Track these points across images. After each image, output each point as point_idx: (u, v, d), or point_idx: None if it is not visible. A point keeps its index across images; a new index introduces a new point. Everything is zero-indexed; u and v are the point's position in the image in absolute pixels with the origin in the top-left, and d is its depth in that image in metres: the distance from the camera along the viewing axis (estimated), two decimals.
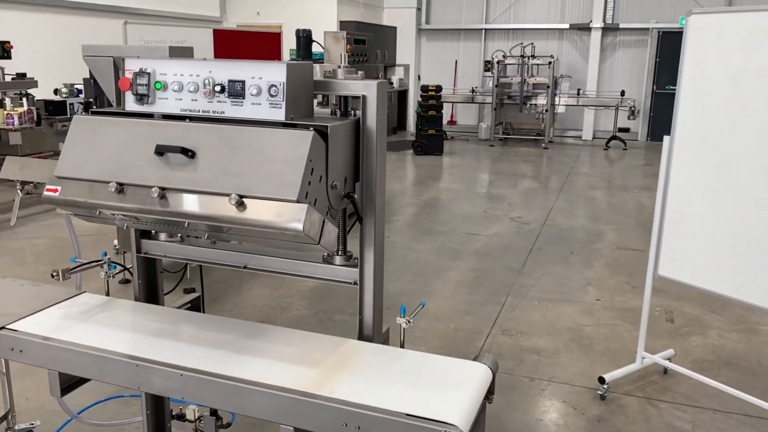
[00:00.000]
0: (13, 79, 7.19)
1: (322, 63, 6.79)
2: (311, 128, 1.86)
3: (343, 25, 12.90)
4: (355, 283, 2.21)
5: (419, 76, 15.60)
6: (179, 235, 2.46)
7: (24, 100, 6.64)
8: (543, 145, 13.47)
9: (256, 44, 6.59)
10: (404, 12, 15.38)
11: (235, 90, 1.97)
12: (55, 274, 2.29)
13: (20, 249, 6.08)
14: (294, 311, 4.69)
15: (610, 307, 4.90)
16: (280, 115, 1.93)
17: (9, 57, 7.04)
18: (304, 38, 7.17)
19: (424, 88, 12.28)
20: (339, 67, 2.12)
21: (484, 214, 7.75)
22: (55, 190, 2.04)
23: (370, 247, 2.15)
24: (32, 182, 2.20)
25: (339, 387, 1.86)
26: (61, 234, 6.24)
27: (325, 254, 2.26)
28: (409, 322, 2.15)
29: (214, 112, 2.01)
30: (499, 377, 3.79)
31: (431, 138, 12.09)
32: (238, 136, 1.91)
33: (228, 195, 1.82)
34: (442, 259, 6.00)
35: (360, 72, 2.11)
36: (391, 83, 14.92)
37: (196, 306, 2.81)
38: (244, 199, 1.82)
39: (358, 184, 2.12)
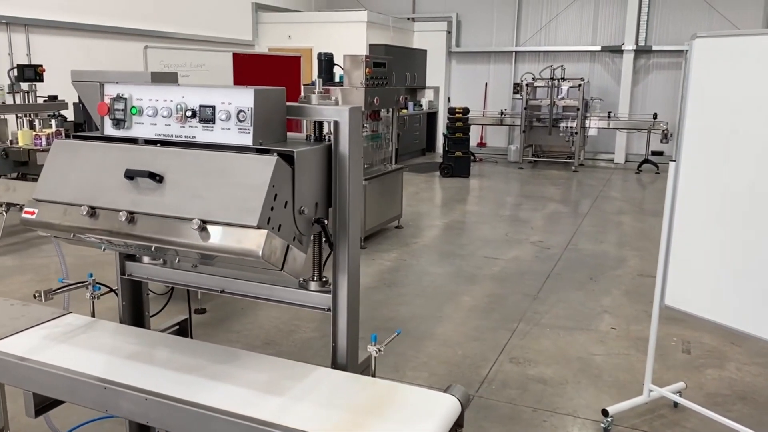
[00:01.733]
0: (44, 101, 7.43)
1: (342, 86, 6.84)
2: (274, 153, 1.86)
3: (373, 48, 13.02)
4: (328, 310, 2.18)
5: (449, 98, 15.60)
6: (162, 258, 2.47)
7: (53, 121, 6.84)
8: (573, 168, 13.29)
9: (275, 68, 6.68)
10: (434, 35, 15.46)
11: (206, 115, 1.98)
12: (37, 294, 2.32)
13: (44, 266, 6.22)
14: (301, 334, 4.67)
15: (625, 336, 4.75)
16: (248, 140, 1.94)
17: (41, 80, 7.28)
18: (326, 62, 7.26)
19: (451, 111, 12.27)
20: (313, 92, 2.11)
21: (504, 238, 7.65)
22: (33, 213, 2.07)
23: (344, 274, 2.13)
24: (18, 204, 2.25)
25: (301, 416, 1.83)
26: (85, 252, 6.36)
27: (301, 280, 2.25)
28: (379, 350, 2.11)
29: (186, 136, 2.03)
30: (501, 407, 3.73)
31: (458, 160, 12.03)
32: (205, 161, 1.91)
33: (191, 220, 1.83)
34: (457, 283, 5.93)
35: (335, 97, 2.10)
36: (420, 105, 14.97)
37: (184, 328, 2.82)
38: (207, 224, 1.82)
39: (331, 209, 2.11)
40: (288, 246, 1.87)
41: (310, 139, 2.12)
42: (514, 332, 4.79)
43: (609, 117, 13.50)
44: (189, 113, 1.99)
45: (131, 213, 1.92)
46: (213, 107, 1.97)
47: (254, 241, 1.77)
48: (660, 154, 13.49)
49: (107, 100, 2.11)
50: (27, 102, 7.31)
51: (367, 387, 2.02)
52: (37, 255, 6.48)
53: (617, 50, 14.27)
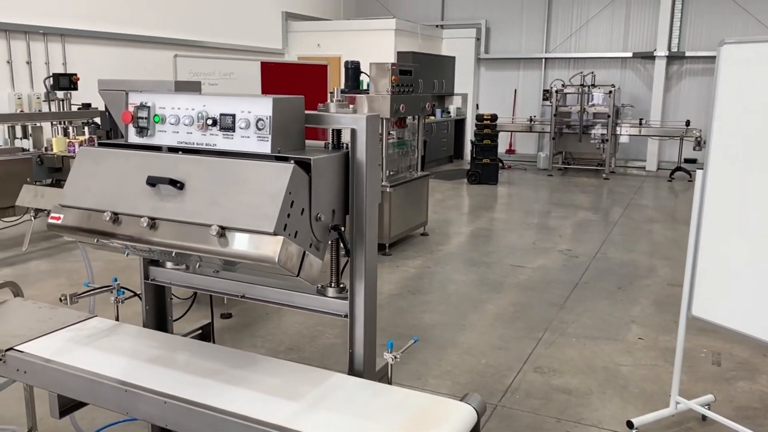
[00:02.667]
0: (78, 109, 7.62)
1: (369, 93, 6.88)
2: (292, 161, 1.88)
3: (401, 56, 13.06)
4: (345, 316, 2.19)
5: (477, 105, 15.55)
6: (184, 263, 2.51)
7: (86, 128, 7.01)
8: (604, 175, 13.13)
9: (303, 76, 6.74)
10: (463, 42, 15.43)
11: (226, 123, 2.01)
12: (63, 298, 2.38)
13: (76, 270, 6.35)
14: (324, 340, 4.69)
15: (653, 346, 4.67)
16: (266, 147, 1.96)
17: (75, 88, 7.48)
18: (353, 69, 7.32)
19: (479, 117, 12.22)
20: (332, 101, 2.13)
21: (532, 246, 7.58)
22: (58, 218, 2.13)
23: (360, 280, 2.13)
24: (46, 210, 2.31)
25: (315, 422, 1.84)
26: (114, 257, 6.50)
27: (319, 286, 2.26)
28: (395, 357, 2.11)
29: (207, 144, 2.06)
30: (524, 416, 3.69)
31: (486, 167, 11.98)
32: (224, 168, 1.95)
33: (210, 226, 1.85)
34: (482, 292, 5.89)
35: (352, 105, 2.12)
36: (448, 112, 14.95)
37: (206, 333, 2.86)
38: (225, 231, 1.85)
39: (348, 216, 2.12)
40: (304, 252, 1.88)
41: (329, 146, 2.14)
42: (539, 341, 4.74)
43: (641, 124, 13.32)
44: (210, 121, 2.03)
45: (152, 219, 1.96)
46: (233, 116, 2.00)
47: (271, 247, 1.79)
48: (693, 161, 13.26)
49: (131, 109, 2.16)
50: (61, 110, 7.51)
51: (382, 394, 2.02)
52: (69, 259, 6.62)
53: (649, 56, 14.08)
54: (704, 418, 3.60)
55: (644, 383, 4.09)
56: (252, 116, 1.97)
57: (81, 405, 2.29)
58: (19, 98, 8.46)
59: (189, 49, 10.68)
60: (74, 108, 7.60)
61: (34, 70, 8.89)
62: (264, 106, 1.94)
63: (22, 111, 8.26)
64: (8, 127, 7.08)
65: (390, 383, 2.13)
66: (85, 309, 2.77)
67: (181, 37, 10.95)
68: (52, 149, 6.89)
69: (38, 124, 7.20)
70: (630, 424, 3.43)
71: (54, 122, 7.55)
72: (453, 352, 4.53)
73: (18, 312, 2.63)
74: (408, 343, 2.23)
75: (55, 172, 6.68)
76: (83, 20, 9.48)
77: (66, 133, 7.19)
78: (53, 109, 7.63)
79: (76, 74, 7.54)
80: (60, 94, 7.84)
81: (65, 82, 7.37)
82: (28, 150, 6.98)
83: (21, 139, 7.12)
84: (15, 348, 2.27)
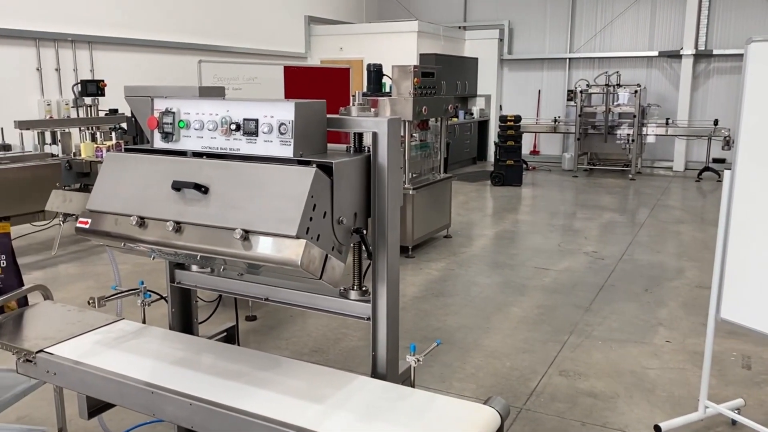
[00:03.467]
0: (106, 114, 7.75)
1: (391, 96, 6.88)
2: (314, 165, 1.89)
3: (423, 58, 13.06)
4: (368, 319, 2.20)
5: (501, 106, 15.48)
6: (209, 267, 2.54)
7: (113, 134, 7.13)
8: (630, 176, 12.97)
9: (325, 80, 6.78)
10: (486, 43, 15.38)
11: (249, 128, 2.03)
12: (91, 301, 2.42)
13: (104, 273, 6.46)
14: (347, 342, 4.70)
15: (681, 349, 4.60)
16: (289, 152, 1.98)
17: (103, 94, 7.61)
18: (375, 72, 7.34)
19: (503, 119, 12.16)
20: (354, 104, 2.14)
21: (557, 248, 7.52)
22: (86, 223, 2.17)
23: (383, 283, 2.14)
24: (74, 214, 2.35)
25: (337, 424, 1.85)
26: (142, 260, 6.59)
27: (341, 289, 2.27)
28: (418, 360, 2.10)
29: (231, 149, 2.08)
30: (549, 420, 3.66)
31: (510, 168, 11.91)
32: (247, 172, 1.96)
33: (234, 229, 1.87)
34: (506, 294, 5.86)
35: (374, 109, 2.13)
36: (471, 114, 14.90)
37: (231, 335, 2.88)
38: (249, 234, 1.87)
39: (371, 219, 2.13)
40: (327, 255, 1.89)
41: (350, 150, 2.15)
42: (565, 344, 4.70)
43: (667, 123, 13.14)
44: (233, 126, 2.05)
45: (178, 223, 1.98)
46: (256, 120, 2.02)
47: (293, 250, 1.81)
48: (722, 161, 13.05)
49: (156, 114, 2.20)
50: (89, 116, 7.64)
51: (405, 397, 2.02)
52: (98, 263, 6.73)
53: (675, 55, 13.88)
54: (734, 422, 3.53)
55: (672, 387, 4.03)
56: (275, 121, 1.99)
57: (109, 406, 2.33)
58: (48, 105, 8.63)
59: (213, 54, 10.80)
60: (101, 114, 7.74)
61: (62, 76, 9.06)
62: (286, 111, 1.96)
63: (51, 117, 8.43)
64: (38, 133, 7.23)
65: (413, 386, 2.13)
66: (113, 312, 2.81)
67: (205, 42, 11.09)
68: (80, 154, 7.01)
69: (67, 130, 7.34)
70: (657, 429, 3.38)
71: (82, 128, 7.69)
72: (477, 354, 4.51)
73: (48, 315, 2.69)
74: (431, 346, 2.22)
75: (83, 176, 6.80)
76: (110, 27, 9.65)
77: (94, 139, 7.32)
78: (81, 115, 7.77)
79: (103, 80, 7.67)
80: (88, 100, 7.99)
81: (93, 88, 7.50)
82: (57, 155, 7.12)
83: (50, 144, 7.26)
84: (45, 350, 2.31)
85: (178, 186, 2.00)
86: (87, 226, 2.16)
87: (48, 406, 3.25)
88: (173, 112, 2.16)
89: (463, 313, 5.34)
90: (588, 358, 4.47)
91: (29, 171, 6.62)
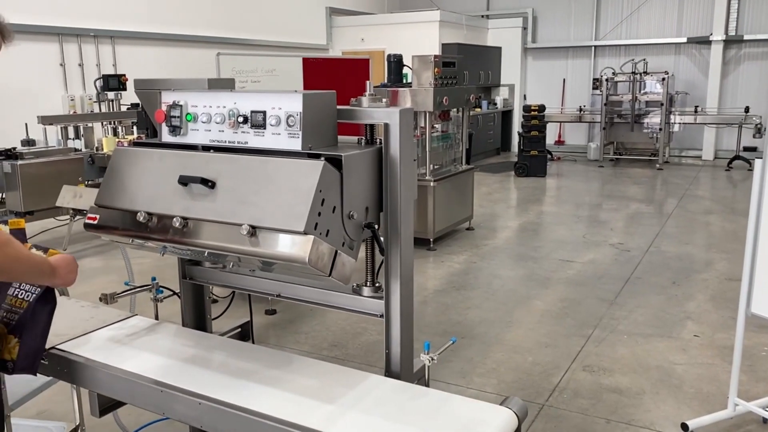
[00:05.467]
0: (128, 109, 7.78)
1: (411, 87, 6.79)
2: (322, 158, 1.83)
3: (446, 47, 12.91)
4: (381, 316, 2.13)
5: (525, 96, 15.26)
6: (220, 263, 2.50)
7: (134, 128, 7.15)
8: (657, 165, 12.70)
9: (345, 71, 6.71)
10: (509, 32, 15.16)
11: (257, 120, 1.98)
12: (102, 298, 2.39)
13: (126, 267, 6.49)
14: (367, 336, 4.65)
15: (710, 344, 4.47)
16: (297, 144, 1.92)
17: (124, 88, 7.64)
18: (395, 63, 7.23)
19: (526, 108, 11.97)
20: (365, 94, 2.07)
21: (582, 240, 7.38)
22: (95, 219, 2.13)
23: (396, 279, 2.07)
24: (84, 210, 2.33)
25: (350, 425, 1.79)
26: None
27: (354, 285, 2.21)
28: (432, 359, 2.04)
29: (239, 142, 2.03)
30: (572, 417, 3.57)
31: (534, 159, 11.73)
32: (254, 166, 1.91)
33: (241, 225, 1.82)
34: (529, 287, 5.76)
35: (385, 99, 2.06)
36: (495, 104, 14.73)
37: (245, 331, 2.84)
38: (256, 230, 1.82)
39: (383, 213, 2.06)
40: (336, 252, 1.83)
41: (362, 142, 2.08)
42: (589, 339, 4.59)
43: (696, 111, 12.85)
44: (241, 119, 2.00)
45: (185, 219, 1.94)
46: (264, 112, 1.96)
47: (301, 246, 1.75)
48: (753, 149, 12.71)
49: (164, 108, 2.15)
50: (112, 110, 7.68)
51: (419, 397, 1.95)
52: (120, 256, 6.76)
53: (705, 41, 13.53)
54: (765, 421, 3.41)
55: (700, 383, 3.91)
56: (282, 113, 1.93)
57: (122, 403, 2.30)
58: (72, 100, 8.70)
59: (234, 47, 10.79)
60: (123, 108, 7.77)
61: (86, 71, 9.13)
62: (294, 102, 1.90)
63: (75, 112, 8.49)
64: (61, 128, 7.29)
65: (428, 385, 2.06)
66: (127, 307, 2.79)
67: (226, 35, 11.09)
68: (102, 149, 7.05)
69: (89, 125, 7.39)
70: (685, 427, 3.27)
71: (104, 122, 7.74)
72: (498, 349, 4.43)
73: (61, 311, 2.65)
74: (446, 344, 2.15)
75: (105, 171, 6.83)
76: (132, 22, 9.69)
77: (115, 133, 7.36)
78: (104, 110, 7.81)
79: (124, 75, 7.70)
80: (110, 94, 8.03)
81: (114, 82, 7.54)
82: (80, 150, 7.17)
83: (73, 139, 7.32)
84: (57, 347, 2.29)
85: (184, 181, 1.95)
86: (95, 222, 2.13)
87: (68, 401, 3.26)
88: (180, 105, 2.11)
89: (485, 307, 5.26)
90: (613, 352, 4.36)
91: (53, 166, 6.68)
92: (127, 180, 2.11)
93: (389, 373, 2.15)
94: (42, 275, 1.85)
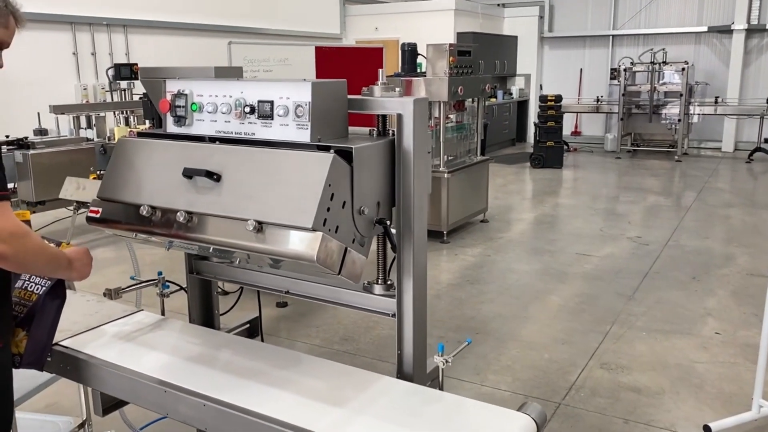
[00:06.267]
0: (140, 98, 7.71)
1: (426, 76, 6.67)
2: (332, 150, 1.74)
3: (461, 36, 12.74)
4: (393, 315, 2.05)
5: (541, 86, 15.06)
6: (227, 258, 2.42)
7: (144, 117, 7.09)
8: (676, 157, 12.48)
9: (358, 60, 6.60)
10: (526, 20, 14.95)
11: (264, 111, 1.89)
12: (107, 293, 2.33)
13: (139, 257, 6.44)
14: (379, 330, 4.57)
15: (732, 342, 4.34)
16: (306, 136, 1.83)
17: (136, 78, 7.58)
18: (409, 52, 7.12)
19: (543, 98, 11.80)
20: (377, 83, 1.97)
21: (599, 233, 7.24)
22: (97, 212, 2.06)
23: (408, 277, 1.98)
24: (87, 202, 2.26)
25: (359, 431, 1.71)
26: None
27: (365, 283, 2.13)
28: (446, 361, 1.95)
29: (245, 133, 1.95)
30: (589, 416, 3.47)
31: (550, 150, 11.57)
32: (261, 159, 1.83)
33: (247, 220, 1.74)
34: (544, 282, 5.65)
35: (398, 89, 1.96)
36: (510, 94, 14.55)
37: (254, 327, 2.77)
38: (262, 226, 1.73)
39: (395, 208, 1.97)
40: (346, 249, 1.75)
41: (373, 133, 1.99)
42: (606, 335, 4.48)
43: (716, 102, 12.59)
44: (248, 109, 1.91)
45: (189, 213, 1.86)
46: (271, 102, 1.87)
47: (309, 243, 1.66)
48: None
49: (169, 97, 2.07)
50: (123, 99, 7.63)
51: (432, 401, 1.87)
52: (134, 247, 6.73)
53: (726, 30, 13.25)
54: None
55: (722, 383, 3.79)
56: (291, 103, 1.84)
57: (126, 402, 2.24)
58: (84, 89, 8.67)
59: (246, 36, 10.71)
60: (135, 97, 7.72)
61: (98, 60, 9.09)
62: (303, 92, 1.81)
63: (87, 101, 8.46)
64: (73, 117, 7.25)
65: (441, 389, 1.97)
66: (123, 302, 2.72)
67: (238, 24, 10.99)
68: (114, 139, 7.00)
69: (101, 114, 7.35)
70: (707, 429, 3.17)
71: (116, 112, 7.69)
72: (513, 345, 4.34)
73: (66, 304, 2.60)
74: (461, 345, 2.06)
75: None
76: (144, 11, 9.63)
77: (127, 123, 7.31)
78: (116, 99, 7.76)
79: (136, 64, 7.64)
80: (123, 83, 7.98)
81: (126, 71, 7.49)
82: (92, 140, 7.13)
83: (85, 129, 7.28)
84: (60, 343, 2.23)
85: (189, 173, 1.87)
86: (98, 216, 2.05)
87: (76, 394, 3.20)
88: (185, 94, 2.03)
89: (500, 302, 5.16)
90: (631, 350, 4.25)
91: (65, 155, 6.65)
92: (131, 172, 2.04)
93: (401, 374, 2.06)
94: (59, 268, 1.84)
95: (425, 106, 1.92)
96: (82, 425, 3.06)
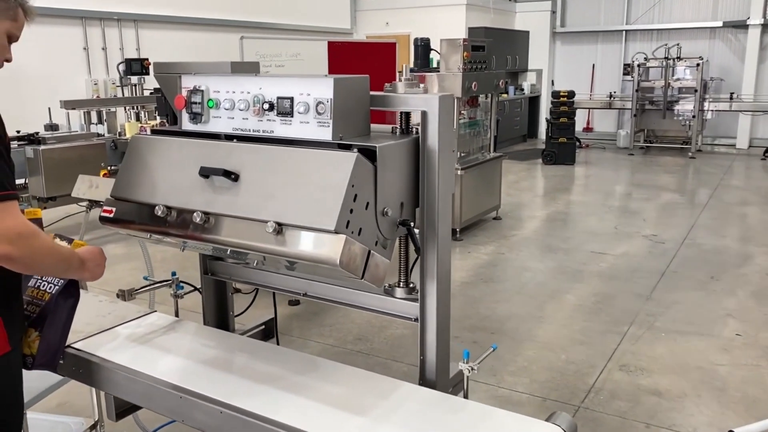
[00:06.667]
0: (151, 93, 7.68)
1: (439, 71, 6.59)
2: (354, 149, 1.67)
3: (472, 31, 12.64)
4: (415, 320, 1.98)
5: (553, 81, 14.92)
6: (243, 260, 2.36)
7: (157, 114, 7.04)
8: (689, 154, 12.33)
9: (371, 55, 6.52)
10: (537, 15, 14.80)
11: (284, 108, 1.82)
12: (120, 294, 2.27)
13: (151, 254, 6.40)
14: (393, 330, 4.51)
15: (754, 344, 4.25)
16: (327, 134, 1.76)
17: (147, 73, 7.53)
18: (422, 47, 7.03)
19: (555, 94, 11.67)
20: (400, 79, 1.90)
21: (613, 231, 7.15)
22: (110, 212, 2.00)
23: (432, 280, 1.91)
24: (100, 201, 2.21)
25: None
26: None
27: (386, 285, 2.06)
28: (472, 369, 1.88)
29: (264, 131, 1.88)
30: (609, 420, 3.39)
31: (562, 146, 11.45)
32: (281, 157, 1.76)
33: (266, 222, 1.68)
34: (560, 280, 5.56)
35: (423, 84, 1.88)
36: (522, 89, 14.42)
37: (269, 328, 2.72)
38: (282, 228, 1.67)
39: (419, 209, 1.90)
40: (369, 252, 1.68)
41: (396, 131, 1.92)
42: (625, 336, 4.40)
43: (731, 98, 12.42)
44: (266, 106, 1.84)
45: (206, 214, 1.79)
46: (291, 99, 1.81)
47: (332, 247, 1.60)
48: None
49: (184, 93, 2.00)
50: (135, 95, 7.58)
51: (458, 410, 1.80)
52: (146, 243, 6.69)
53: (741, 25, 13.06)
54: None
55: (745, 386, 3.70)
56: (311, 99, 1.77)
57: (139, 407, 2.18)
58: (95, 84, 8.63)
59: (258, 30, 10.64)
60: (146, 93, 7.68)
61: (109, 56, 9.05)
62: (324, 88, 1.74)
63: (98, 96, 8.43)
64: (84, 112, 7.21)
65: (466, 397, 1.90)
66: (136, 303, 2.67)
67: (250, 19, 10.93)
68: (125, 134, 6.96)
69: (112, 110, 7.31)
70: None
71: (127, 107, 7.66)
72: (530, 346, 4.26)
73: (78, 305, 2.55)
74: (486, 351, 1.99)
75: None
76: (155, 5, 9.57)
77: (138, 118, 7.27)
78: (127, 94, 7.72)
79: (147, 59, 7.59)
80: (134, 79, 7.94)
81: (137, 66, 7.44)
82: (103, 135, 7.09)
83: (96, 124, 7.24)
84: (72, 345, 2.17)
85: (205, 173, 1.81)
86: (111, 216, 1.99)
87: (89, 394, 3.16)
88: (202, 91, 1.96)
89: (514, 301, 5.08)
90: (650, 351, 4.17)
91: (75, 151, 6.61)
92: (145, 171, 1.97)
93: (424, 381, 1.99)
94: (70, 269, 1.79)
95: (451, 102, 1.85)
96: (93, 426, 3.02)
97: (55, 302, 1.92)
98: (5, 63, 1.74)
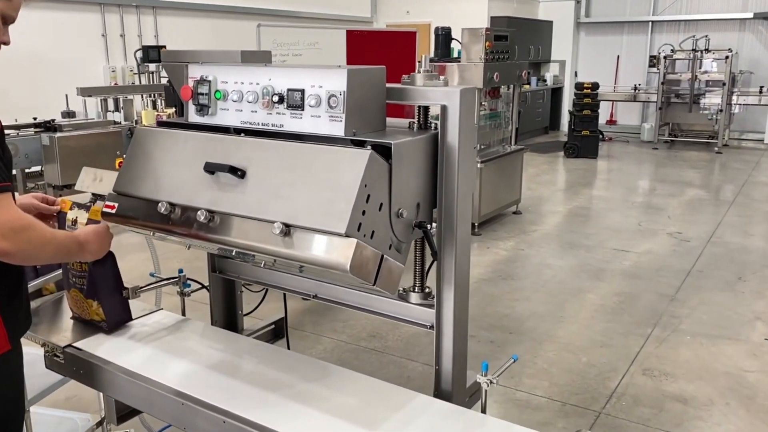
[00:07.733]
0: (167, 82, 7.60)
1: (460, 62, 6.43)
2: (368, 145, 1.55)
3: (494, 21, 12.41)
4: (431, 327, 1.86)
5: (576, 73, 14.64)
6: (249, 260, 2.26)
7: (165, 104, 6.99)
8: (716, 149, 12.03)
9: (390, 44, 6.38)
10: (562, 5, 14.50)
11: (294, 100, 1.71)
12: (125, 292, 2.18)
13: (163, 244, 6.35)
14: (407, 327, 4.36)
15: None
16: (339, 129, 1.64)
17: None
18: (443, 36, 6.88)
19: (579, 86, 11.43)
20: (419, 71, 1.77)
21: (637, 228, 6.96)
22: (113, 207, 1.91)
23: (450, 286, 1.80)
24: (104, 195, 2.11)
25: None
26: None
27: (401, 289, 1.94)
28: (491, 382, 1.76)
29: (273, 125, 1.77)
30: (632, 428, 3.26)
31: (585, 139, 11.22)
32: (290, 154, 1.65)
33: (273, 223, 1.57)
34: (581, 279, 5.41)
35: (443, 77, 1.76)
36: (544, 81, 14.18)
37: (279, 328, 2.62)
38: (290, 229, 1.56)
39: (436, 210, 1.78)
40: (382, 256, 1.56)
41: (414, 127, 1.80)
42: (648, 338, 4.25)
43: (761, 92, 12.08)
44: (276, 98, 1.73)
45: (211, 212, 1.69)
46: (302, 91, 1.69)
47: (342, 251, 1.48)
48: None
49: (191, 83, 1.90)
50: (152, 82, 7.52)
51: (475, 426, 1.68)
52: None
53: None
54: None
55: None
56: (323, 92, 1.65)
57: (138, 411, 2.10)
58: (113, 71, 8.59)
59: (275, 18, 10.51)
60: (163, 80, 7.61)
61: (127, 42, 8.99)
62: (337, 80, 1.62)
63: (116, 84, 8.38)
64: (101, 100, 7.16)
65: (484, 412, 1.79)
66: (141, 300, 2.58)
67: (267, 6, 10.81)
68: (141, 122, 6.90)
69: (129, 97, 7.25)
70: None
71: (144, 95, 7.60)
72: (550, 347, 4.13)
73: None
74: (506, 362, 1.87)
75: None
76: None
77: (155, 106, 7.21)
78: (144, 82, 7.66)
79: (164, 46, 7.52)
80: (151, 66, 7.88)
81: (154, 54, 7.36)
82: (120, 123, 7.03)
83: (113, 111, 7.19)
84: (74, 345, 2.09)
85: (211, 169, 1.70)
86: (113, 211, 1.90)
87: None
88: (209, 81, 1.85)
89: (534, 299, 4.94)
90: (675, 355, 4.02)
91: (92, 138, 6.55)
92: (149, 165, 1.88)
93: (439, 392, 1.88)
94: (69, 254, 1.81)
95: (473, 96, 1.72)
96: (100, 423, 2.94)
97: (95, 267, 2.05)
98: (3, 46, 1.65)
